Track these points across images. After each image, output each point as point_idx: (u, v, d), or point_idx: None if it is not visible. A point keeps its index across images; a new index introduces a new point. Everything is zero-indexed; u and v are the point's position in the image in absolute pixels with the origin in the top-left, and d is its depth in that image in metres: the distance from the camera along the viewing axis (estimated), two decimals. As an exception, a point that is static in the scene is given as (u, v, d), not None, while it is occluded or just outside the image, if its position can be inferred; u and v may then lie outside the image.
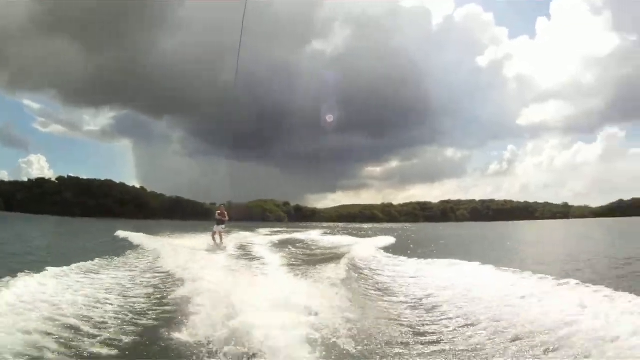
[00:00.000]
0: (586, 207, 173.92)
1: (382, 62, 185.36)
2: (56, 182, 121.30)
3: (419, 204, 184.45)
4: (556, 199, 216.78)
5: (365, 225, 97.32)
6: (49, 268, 12.06)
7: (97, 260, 15.27)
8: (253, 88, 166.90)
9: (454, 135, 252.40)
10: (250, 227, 48.97)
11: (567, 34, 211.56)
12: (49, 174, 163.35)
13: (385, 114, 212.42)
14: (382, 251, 22.83)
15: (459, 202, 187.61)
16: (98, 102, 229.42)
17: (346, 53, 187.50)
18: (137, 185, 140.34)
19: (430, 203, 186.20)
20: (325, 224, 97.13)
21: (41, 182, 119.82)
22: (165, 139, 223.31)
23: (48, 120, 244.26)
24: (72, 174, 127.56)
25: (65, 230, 44.72)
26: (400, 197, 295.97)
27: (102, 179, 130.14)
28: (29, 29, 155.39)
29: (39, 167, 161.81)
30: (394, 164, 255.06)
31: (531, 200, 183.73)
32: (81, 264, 13.88)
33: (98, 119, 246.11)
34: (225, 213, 24.19)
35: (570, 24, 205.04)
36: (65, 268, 12.63)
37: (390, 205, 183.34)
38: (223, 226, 24.03)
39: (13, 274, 10.63)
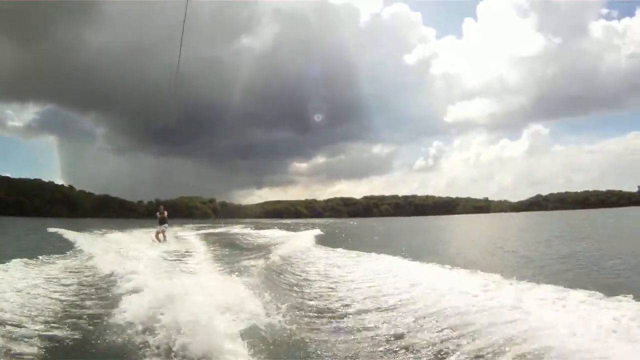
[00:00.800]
0: (505, 202, 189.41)
1: (310, 59, 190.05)
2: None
3: (342, 199, 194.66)
4: (482, 194, 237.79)
5: (289, 221, 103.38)
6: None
7: (40, 257, 15.77)
8: (181, 83, 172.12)
9: (381, 131, 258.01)
10: (179, 224, 50.56)
11: (494, 34, 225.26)
12: None
13: (311, 110, 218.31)
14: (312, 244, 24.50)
15: (382, 198, 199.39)
16: (22, 96, 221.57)
17: (274, 49, 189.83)
18: (64, 183, 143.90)
19: (354, 198, 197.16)
20: (248, 220, 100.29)
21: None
22: (91, 136, 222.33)
23: None
24: None
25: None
26: (327, 192, 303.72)
27: (29, 177, 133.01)
28: None
29: None
30: (320, 159, 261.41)
31: (456, 196, 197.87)
32: (23, 259, 14.27)
33: (22, 115, 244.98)
34: (165, 212, 24.86)
35: (497, 24, 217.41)
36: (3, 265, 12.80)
37: (314, 201, 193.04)
38: (166, 225, 24.66)
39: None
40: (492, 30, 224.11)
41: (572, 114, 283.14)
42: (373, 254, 16.95)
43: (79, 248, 20.11)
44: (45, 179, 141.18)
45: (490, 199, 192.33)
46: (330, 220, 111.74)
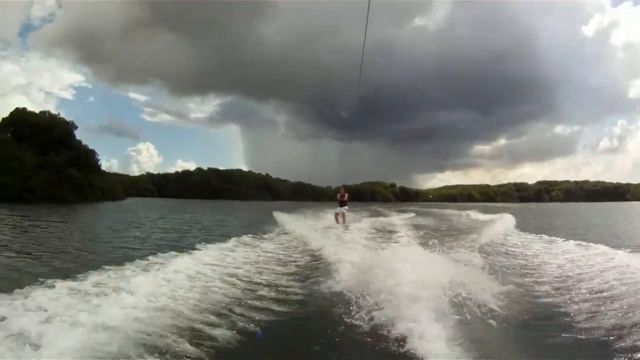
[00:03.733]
0: None
1: (484, 35, 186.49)
2: (198, 172, 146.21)
3: (515, 184, 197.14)
4: None
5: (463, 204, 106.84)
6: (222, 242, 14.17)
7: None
8: (357, 69, 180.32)
9: (563, 109, 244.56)
10: (366, 208, 50.10)
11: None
12: (158, 160, 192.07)
13: (491, 89, 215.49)
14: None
15: (554, 183, 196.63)
16: (203, 90, 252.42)
17: (447, 28, 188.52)
18: (250, 169, 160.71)
19: (526, 184, 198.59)
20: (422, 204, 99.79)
21: (187, 173, 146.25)
22: (272, 123, 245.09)
23: (155, 110, 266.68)
24: (180, 160, 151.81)
25: (223, 210, 49.44)
26: (511, 175, 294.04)
27: (214, 165, 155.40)
28: (129, 25, 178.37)
29: (147, 154, 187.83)
30: (502, 141, 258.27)
31: None
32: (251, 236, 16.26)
33: (204, 107, 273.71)
34: (346, 195, 24.73)
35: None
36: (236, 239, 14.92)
37: (487, 186, 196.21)
38: (346, 207, 24.63)
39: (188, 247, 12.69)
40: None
41: None
42: (572, 241, 15.82)
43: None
44: (230, 166, 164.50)
45: None
46: (501, 205, 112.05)
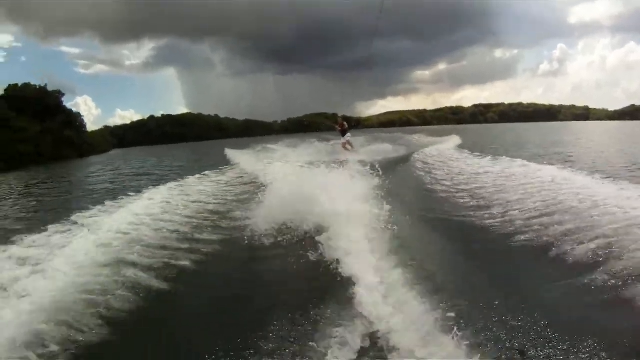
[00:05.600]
0: (603, 110, 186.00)
1: None
2: (153, 120, 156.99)
3: (450, 108, 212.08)
4: (607, 100, 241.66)
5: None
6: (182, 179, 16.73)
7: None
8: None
9: (503, 34, 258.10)
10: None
11: None
12: (97, 112, 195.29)
13: (429, 16, 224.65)
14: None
15: (489, 106, 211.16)
16: (136, 35, 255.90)
17: None
18: (190, 111, 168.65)
19: (462, 107, 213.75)
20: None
21: (143, 122, 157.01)
22: (209, 63, 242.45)
23: (90, 62, 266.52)
24: (120, 110, 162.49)
25: (181, 153, 55.79)
26: (452, 99, 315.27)
27: (155, 110, 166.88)
28: None
29: (86, 107, 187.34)
30: (442, 66, 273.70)
31: (583, 101, 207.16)
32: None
33: (139, 52, 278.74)
34: (345, 124, 25.27)
35: None
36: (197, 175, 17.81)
37: (425, 111, 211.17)
38: (349, 135, 25.16)
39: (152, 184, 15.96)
40: None
41: None
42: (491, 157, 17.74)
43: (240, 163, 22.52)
44: (169, 110, 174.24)
45: (607, 107, 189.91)
46: (439, 127, 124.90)
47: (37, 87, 65.20)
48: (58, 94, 68.00)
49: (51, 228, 9.16)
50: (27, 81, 62.11)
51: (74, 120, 70.30)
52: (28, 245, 7.87)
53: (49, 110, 63.38)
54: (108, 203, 12.12)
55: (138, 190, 14.47)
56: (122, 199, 12.97)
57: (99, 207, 11.59)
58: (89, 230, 8.73)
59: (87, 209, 11.43)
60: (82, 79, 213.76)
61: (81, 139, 68.94)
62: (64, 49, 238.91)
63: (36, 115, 60.28)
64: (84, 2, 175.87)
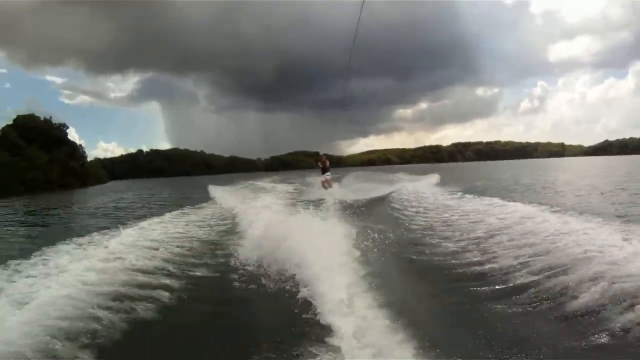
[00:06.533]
0: (579, 147, 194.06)
1: (402, 3, 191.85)
2: (144, 154, 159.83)
3: (429, 147, 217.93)
4: (588, 136, 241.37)
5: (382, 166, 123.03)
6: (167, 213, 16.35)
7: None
8: (272, 39, 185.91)
9: (483, 73, 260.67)
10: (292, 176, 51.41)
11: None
12: (80, 143, 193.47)
13: (410, 55, 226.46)
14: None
15: (467, 145, 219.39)
16: (121, 67, 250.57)
17: None
18: (170, 145, 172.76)
19: (441, 146, 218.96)
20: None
21: (136, 155, 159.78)
22: (192, 98, 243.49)
23: (74, 92, 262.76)
24: (102, 142, 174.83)
25: (168, 187, 54.49)
26: (433, 138, 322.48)
27: (136, 143, 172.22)
28: (39, 5, 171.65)
29: (70, 138, 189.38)
30: (423, 105, 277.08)
31: (563, 137, 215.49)
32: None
33: (124, 85, 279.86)
34: (327, 162, 25.24)
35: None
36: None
37: (404, 150, 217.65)
38: (328, 174, 25.03)
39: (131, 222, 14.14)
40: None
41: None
42: (468, 196, 17.44)
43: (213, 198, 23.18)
44: (152, 144, 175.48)
45: (586, 143, 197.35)
46: (418, 166, 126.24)
47: (43, 119, 68.43)
48: (62, 127, 71.60)
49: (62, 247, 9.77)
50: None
51: (77, 151, 73.96)
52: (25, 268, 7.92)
53: (54, 141, 66.49)
54: (108, 228, 12.66)
55: (139, 218, 15.41)
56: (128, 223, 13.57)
57: (93, 234, 11.69)
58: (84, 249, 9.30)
59: (85, 234, 11.77)
60: (66, 108, 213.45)
61: (83, 169, 72.69)
62: (48, 77, 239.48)
63: (42, 145, 63.21)
64: (69, 30, 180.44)
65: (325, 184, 24.49)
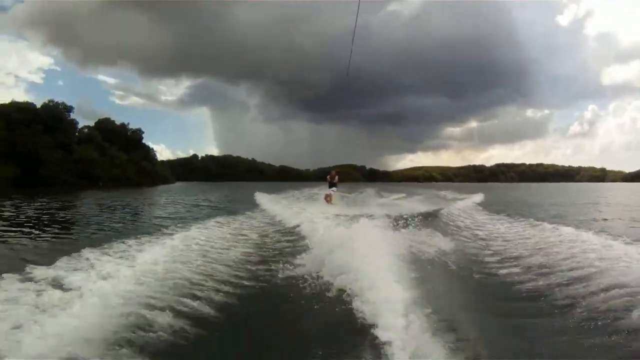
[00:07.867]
0: (620, 172, 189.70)
1: (459, 22, 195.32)
2: (199, 159, 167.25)
3: (473, 166, 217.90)
4: (634, 161, 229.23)
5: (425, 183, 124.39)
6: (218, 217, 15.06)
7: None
8: (329, 52, 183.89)
9: (534, 94, 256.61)
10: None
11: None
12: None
13: (464, 74, 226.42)
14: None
15: (511, 166, 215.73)
16: (174, 71, 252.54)
17: (422, 13, 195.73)
18: (218, 152, 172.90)
19: (484, 166, 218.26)
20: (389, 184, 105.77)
21: (191, 159, 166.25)
22: (243, 106, 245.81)
23: (126, 93, 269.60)
24: (151, 143, 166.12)
25: (223, 191, 54.40)
26: (481, 157, 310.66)
27: (185, 147, 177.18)
28: (100, 5, 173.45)
29: None
30: (473, 124, 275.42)
31: (609, 162, 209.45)
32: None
33: (176, 89, 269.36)
34: (336, 177, 25.28)
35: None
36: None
37: (448, 168, 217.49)
38: (334, 189, 25.09)
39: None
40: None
41: None
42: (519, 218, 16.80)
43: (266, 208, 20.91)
44: (200, 148, 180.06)
45: (628, 169, 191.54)
46: (459, 184, 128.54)
47: (122, 124, 77.57)
48: (139, 131, 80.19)
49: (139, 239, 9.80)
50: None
51: (150, 154, 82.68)
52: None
53: (131, 144, 74.82)
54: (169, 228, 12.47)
55: (200, 219, 15.45)
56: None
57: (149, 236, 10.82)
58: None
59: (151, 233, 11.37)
60: (117, 108, 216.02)
61: (154, 170, 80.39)
62: (101, 77, 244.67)
63: (121, 147, 70.88)
64: (126, 32, 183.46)
65: (327, 198, 24.19)
